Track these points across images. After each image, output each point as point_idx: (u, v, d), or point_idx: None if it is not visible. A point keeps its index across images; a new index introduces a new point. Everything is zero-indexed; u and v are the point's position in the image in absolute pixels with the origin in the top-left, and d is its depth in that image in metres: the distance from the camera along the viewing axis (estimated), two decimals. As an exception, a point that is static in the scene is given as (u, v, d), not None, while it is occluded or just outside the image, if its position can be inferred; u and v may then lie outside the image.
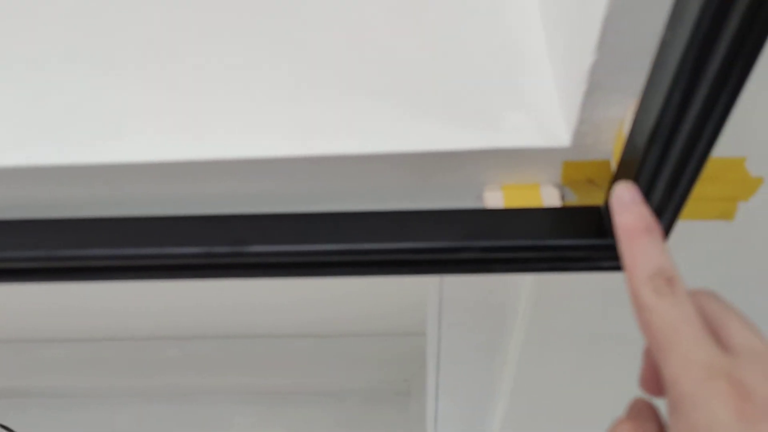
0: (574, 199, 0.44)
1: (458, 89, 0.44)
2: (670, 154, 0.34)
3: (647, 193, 0.37)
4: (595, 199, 0.44)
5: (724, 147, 0.41)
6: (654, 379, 0.32)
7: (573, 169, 0.42)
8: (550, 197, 0.43)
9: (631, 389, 0.70)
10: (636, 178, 0.36)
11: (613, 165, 0.40)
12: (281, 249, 0.41)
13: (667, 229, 0.39)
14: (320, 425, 1.56)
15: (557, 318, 0.57)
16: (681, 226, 0.47)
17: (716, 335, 0.28)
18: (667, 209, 0.37)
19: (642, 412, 0.33)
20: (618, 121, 0.39)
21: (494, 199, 0.43)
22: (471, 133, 0.42)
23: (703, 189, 0.44)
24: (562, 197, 0.43)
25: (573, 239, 0.40)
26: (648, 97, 0.33)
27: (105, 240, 0.42)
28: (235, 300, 1.45)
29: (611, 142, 0.40)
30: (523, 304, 0.57)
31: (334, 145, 0.42)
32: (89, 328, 1.48)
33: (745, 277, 0.52)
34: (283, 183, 0.44)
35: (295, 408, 1.57)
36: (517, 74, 0.45)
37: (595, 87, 0.37)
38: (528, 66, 0.45)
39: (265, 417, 1.57)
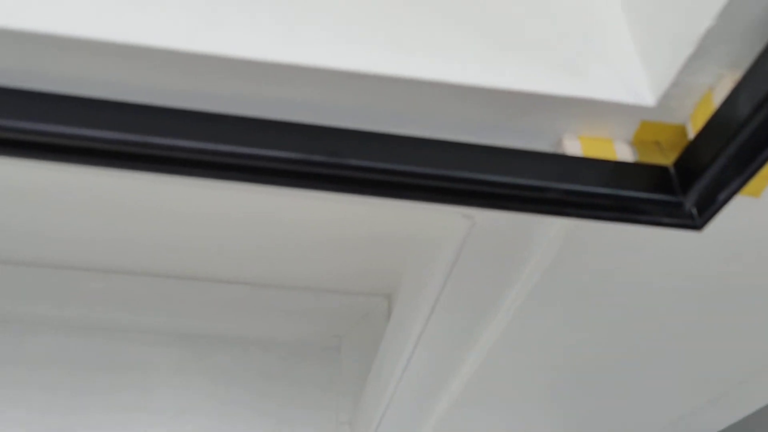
0: (636, 158, 0.47)
1: (549, 42, 0.46)
2: (771, 122, 0.37)
3: (735, 160, 0.40)
4: (655, 160, 0.47)
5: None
6: None
7: (648, 129, 0.45)
8: (623, 152, 0.45)
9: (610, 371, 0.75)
10: (724, 146, 0.40)
11: (691, 131, 0.44)
12: (375, 165, 0.41)
13: (723, 203, 0.42)
14: (242, 373, 1.54)
15: (570, 277, 0.60)
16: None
17: None
18: (738, 178, 0.41)
19: None
20: (706, 88, 0.42)
21: (573, 147, 0.45)
22: (559, 80, 0.44)
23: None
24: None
25: (647, 193, 0.43)
26: (762, 70, 0.36)
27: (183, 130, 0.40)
28: (170, 237, 1.39)
29: (690, 108, 0.43)
30: (542, 258, 0.60)
31: (429, 70, 0.42)
32: (9, 251, 1.37)
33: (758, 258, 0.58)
34: (366, 101, 0.44)
35: (218, 354, 1.54)
36: (599, 33, 0.47)
37: (702, 53, 0.40)
38: (608, 27, 0.47)
39: (185, 360, 1.53)
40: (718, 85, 0.41)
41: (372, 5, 0.44)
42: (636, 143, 0.47)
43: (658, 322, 0.68)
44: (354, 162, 0.40)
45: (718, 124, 0.40)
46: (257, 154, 0.40)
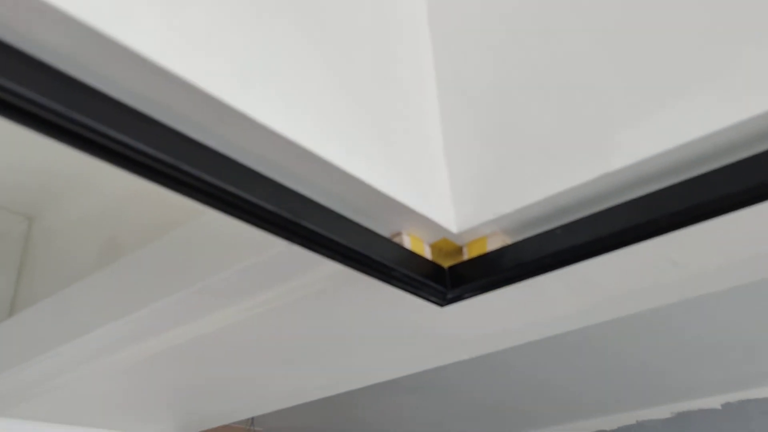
0: (429, 256, 0.72)
1: (409, 166, 0.68)
2: (514, 276, 0.67)
3: (483, 283, 0.69)
4: (437, 260, 0.72)
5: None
6: None
7: (443, 242, 0.71)
8: (426, 251, 0.70)
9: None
10: (482, 275, 0.68)
11: (466, 254, 0.71)
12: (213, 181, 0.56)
13: (465, 299, 0.71)
14: None
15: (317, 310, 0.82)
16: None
17: None
18: (478, 292, 0.70)
19: None
20: (483, 235, 0.70)
21: (406, 240, 0.68)
22: (411, 197, 0.66)
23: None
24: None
25: (432, 282, 0.69)
26: (529, 247, 0.66)
27: None
28: None
29: (469, 240, 0.71)
30: (311, 285, 0.80)
31: (326, 149, 0.59)
32: None
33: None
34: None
35: None
36: (439, 175, 0.71)
37: (494, 219, 0.67)
38: (443, 175, 0.72)
39: None
40: (491, 238, 0.70)
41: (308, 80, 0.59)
42: (432, 247, 0.72)
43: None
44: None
45: (485, 261, 0.69)
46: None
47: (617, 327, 1.86)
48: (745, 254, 0.71)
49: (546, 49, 0.68)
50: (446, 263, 0.72)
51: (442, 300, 0.71)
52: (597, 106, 0.62)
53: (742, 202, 0.57)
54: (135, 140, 0.46)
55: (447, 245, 0.72)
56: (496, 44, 0.72)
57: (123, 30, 0.43)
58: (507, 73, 0.70)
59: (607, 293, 0.80)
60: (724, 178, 0.57)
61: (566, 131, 0.64)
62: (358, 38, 0.66)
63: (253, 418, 2.17)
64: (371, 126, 0.64)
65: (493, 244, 0.69)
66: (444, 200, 0.70)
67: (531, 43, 0.69)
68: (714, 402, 2.83)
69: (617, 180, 0.61)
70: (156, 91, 0.46)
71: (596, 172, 0.61)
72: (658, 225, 0.60)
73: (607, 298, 0.81)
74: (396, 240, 0.68)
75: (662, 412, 2.93)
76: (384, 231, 0.68)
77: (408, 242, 0.68)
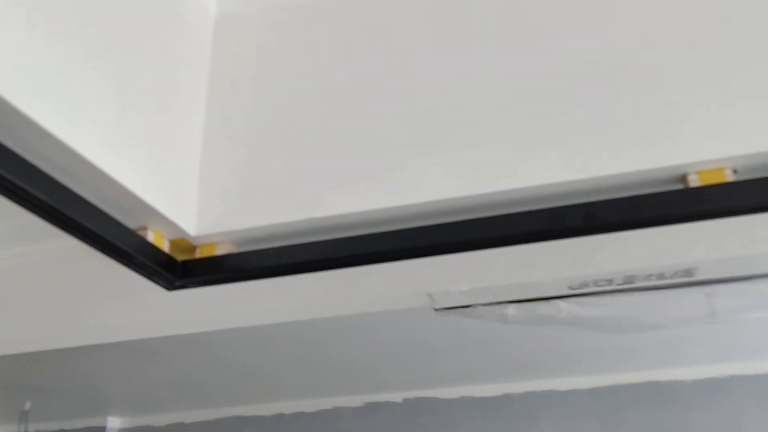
0: (168, 250, 0.88)
1: (168, 180, 0.84)
2: (232, 277, 0.87)
3: (205, 279, 0.87)
4: (174, 254, 0.89)
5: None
6: None
7: (181, 240, 0.88)
8: (166, 245, 0.86)
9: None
10: (208, 271, 0.87)
11: (198, 253, 0.89)
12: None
13: (191, 288, 0.89)
14: None
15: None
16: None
17: None
18: (204, 285, 0.89)
19: None
20: (213, 241, 0.88)
21: (150, 234, 0.83)
22: (165, 204, 0.82)
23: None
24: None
25: (165, 271, 0.85)
26: (247, 259, 0.86)
27: None
28: None
29: (202, 243, 0.89)
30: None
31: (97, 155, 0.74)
32: None
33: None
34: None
35: None
36: (192, 185, 0.88)
37: (223, 231, 0.86)
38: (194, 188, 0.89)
39: None
40: (220, 245, 0.88)
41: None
42: (171, 242, 0.88)
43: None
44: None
45: (211, 262, 0.87)
46: None
47: (323, 324, 2.16)
48: (393, 293, 0.99)
49: (293, 113, 0.89)
50: (181, 258, 0.89)
51: (170, 286, 0.88)
52: (316, 166, 0.86)
53: (374, 260, 0.84)
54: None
55: (184, 243, 0.89)
56: (258, 97, 0.92)
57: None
58: (261, 123, 0.90)
59: (307, 300, 1.04)
60: (373, 241, 0.83)
61: (290, 180, 0.86)
62: (146, 70, 0.80)
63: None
64: (142, 142, 0.79)
65: (221, 250, 0.88)
66: (190, 209, 0.87)
67: (284, 103, 0.90)
68: (397, 397, 3.33)
69: (317, 224, 0.85)
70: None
71: (303, 216, 0.84)
72: (336, 261, 0.85)
73: (307, 304, 1.05)
74: (140, 232, 0.83)
75: (355, 401, 3.36)
76: (133, 224, 0.83)
77: (151, 236, 0.84)
